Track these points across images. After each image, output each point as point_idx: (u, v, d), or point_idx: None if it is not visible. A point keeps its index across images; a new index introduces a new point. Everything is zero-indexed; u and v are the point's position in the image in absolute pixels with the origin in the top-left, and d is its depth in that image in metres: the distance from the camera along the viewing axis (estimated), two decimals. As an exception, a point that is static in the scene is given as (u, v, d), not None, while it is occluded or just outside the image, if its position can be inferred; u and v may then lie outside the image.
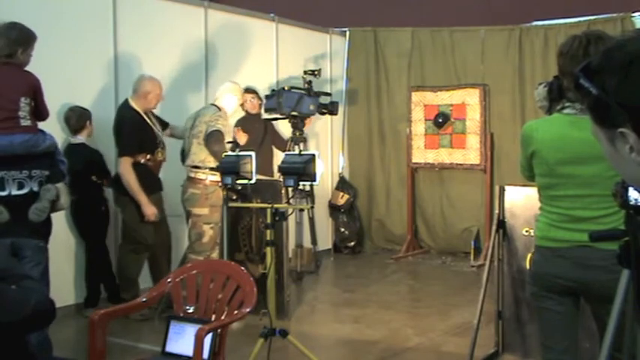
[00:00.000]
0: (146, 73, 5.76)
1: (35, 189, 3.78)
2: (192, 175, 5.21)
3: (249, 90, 6.46)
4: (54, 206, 3.89)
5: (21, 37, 3.96)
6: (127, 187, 5.15)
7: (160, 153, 5.35)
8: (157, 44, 6.06)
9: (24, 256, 3.67)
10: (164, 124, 5.55)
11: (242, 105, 6.45)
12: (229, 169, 4.13)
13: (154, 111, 5.48)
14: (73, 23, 5.44)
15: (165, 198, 5.49)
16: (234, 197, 4.91)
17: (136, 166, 5.19)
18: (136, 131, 5.20)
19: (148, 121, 5.30)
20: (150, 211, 5.20)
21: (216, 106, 5.37)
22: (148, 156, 5.26)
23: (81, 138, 5.29)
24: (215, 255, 5.26)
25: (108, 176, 5.43)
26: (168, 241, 5.54)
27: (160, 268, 5.32)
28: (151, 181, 5.27)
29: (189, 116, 5.48)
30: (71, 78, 5.33)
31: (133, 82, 5.38)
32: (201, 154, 5.17)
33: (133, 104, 5.27)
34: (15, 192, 3.75)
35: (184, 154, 5.41)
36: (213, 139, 5.07)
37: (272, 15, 7.39)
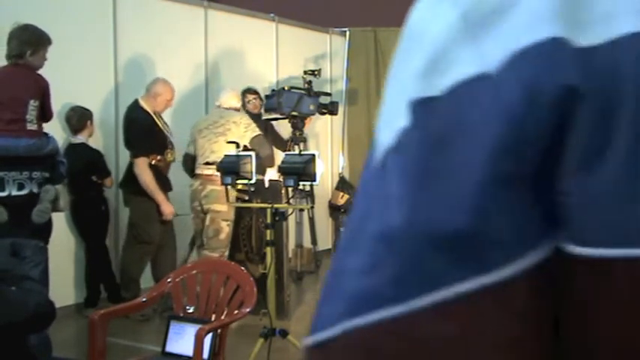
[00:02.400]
0: (147, 73, 5.78)
1: (35, 190, 3.79)
2: (210, 172, 5.19)
3: (250, 90, 6.47)
4: (53, 207, 3.90)
5: (31, 39, 3.98)
6: (145, 187, 5.17)
7: (170, 154, 5.37)
8: (157, 44, 6.06)
9: (24, 256, 3.67)
10: None
11: (244, 105, 6.47)
12: (229, 168, 4.14)
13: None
14: (74, 23, 5.44)
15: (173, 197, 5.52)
16: (247, 198, 4.92)
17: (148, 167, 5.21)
18: (147, 132, 5.22)
19: (158, 121, 5.32)
20: (168, 209, 5.24)
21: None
22: (159, 157, 5.28)
23: (81, 138, 5.29)
24: (227, 253, 5.29)
25: (108, 176, 5.43)
26: (173, 241, 5.56)
27: (163, 269, 5.32)
28: (161, 182, 5.29)
29: (204, 117, 5.57)
30: (71, 78, 5.33)
31: (134, 81, 5.39)
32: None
33: (143, 104, 5.28)
34: (15, 192, 3.75)
35: (188, 155, 5.41)
36: (261, 142, 5.24)
37: (272, 15, 7.40)
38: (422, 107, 0.40)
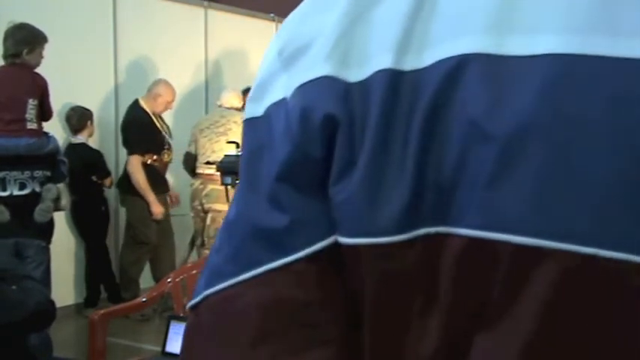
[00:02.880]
0: (147, 73, 5.79)
1: (37, 189, 3.80)
2: (211, 172, 5.20)
3: (250, 89, 6.47)
4: (55, 206, 3.91)
5: (27, 38, 3.98)
6: (136, 185, 5.17)
7: (167, 154, 5.37)
8: (157, 44, 6.07)
9: (26, 256, 3.68)
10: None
11: (243, 105, 6.48)
12: (229, 168, 4.14)
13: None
14: (74, 23, 5.45)
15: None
16: None
17: (143, 167, 5.21)
18: (144, 130, 5.22)
19: (157, 122, 5.32)
20: (158, 209, 5.22)
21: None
22: (155, 157, 5.28)
23: (81, 138, 5.29)
24: None
25: (108, 176, 5.44)
26: (171, 241, 5.56)
27: (163, 268, 5.32)
28: (157, 182, 5.28)
29: (205, 117, 5.61)
30: (71, 78, 5.33)
31: (134, 81, 5.39)
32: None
33: (143, 104, 5.30)
34: (16, 192, 3.76)
35: (190, 155, 5.43)
36: None
37: (272, 15, 7.40)
38: (248, 125, 0.53)
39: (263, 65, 0.53)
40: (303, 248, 0.48)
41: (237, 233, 0.51)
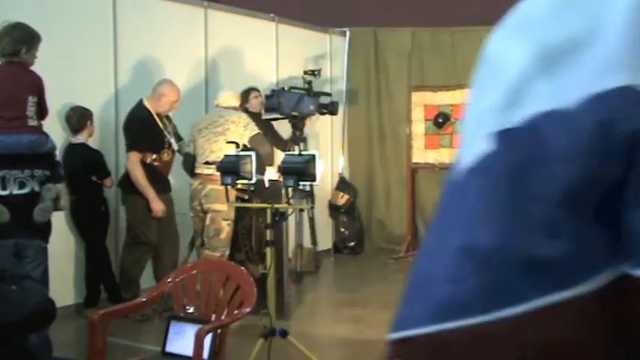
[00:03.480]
0: (147, 73, 5.79)
1: (36, 189, 3.80)
2: (210, 172, 5.21)
3: (253, 88, 6.46)
4: (55, 206, 3.91)
5: (24, 37, 4.00)
6: (135, 182, 5.16)
7: (167, 153, 5.36)
8: (157, 44, 6.07)
9: (25, 256, 3.67)
10: (178, 137, 5.58)
11: (245, 102, 6.46)
12: (229, 168, 4.14)
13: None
14: (74, 23, 5.45)
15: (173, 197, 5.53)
16: (247, 197, 4.93)
17: (143, 166, 5.20)
18: (144, 129, 5.22)
19: (158, 121, 5.32)
20: (158, 207, 5.21)
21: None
22: (154, 156, 5.27)
23: (81, 138, 5.29)
24: (227, 252, 5.29)
25: (108, 176, 5.43)
26: (175, 241, 5.55)
27: (164, 268, 5.32)
28: (158, 182, 5.28)
29: (204, 117, 5.59)
30: (71, 78, 5.33)
31: (134, 81, 5.39)
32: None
33: (147, 103, 5.31)
34: (16, 191, 3.76)
35: (189, 155, 5.43)
36: (260, 141, 5.24)
37: (272, 15, 7.40)
38: (501, 137, 0.45)
39: (507, 67, 0.46)
40: (582, 281, 0.42)
41: (496, 264, 0.43)
